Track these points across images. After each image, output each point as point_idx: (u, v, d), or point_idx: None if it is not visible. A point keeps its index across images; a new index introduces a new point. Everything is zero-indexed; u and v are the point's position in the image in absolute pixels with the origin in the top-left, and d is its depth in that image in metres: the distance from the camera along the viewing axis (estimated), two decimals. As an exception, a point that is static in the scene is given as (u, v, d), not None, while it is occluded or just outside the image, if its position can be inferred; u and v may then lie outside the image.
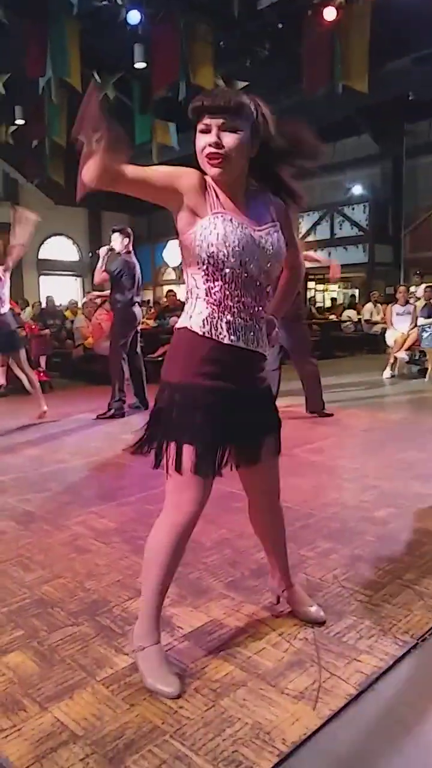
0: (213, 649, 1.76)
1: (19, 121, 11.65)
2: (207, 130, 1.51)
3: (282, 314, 1.83)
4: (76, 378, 8.64)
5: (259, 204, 1.62)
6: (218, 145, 1.49)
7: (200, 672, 1.65)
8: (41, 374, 6.27)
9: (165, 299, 11.16)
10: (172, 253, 17.20)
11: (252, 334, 1.60)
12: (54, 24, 8.53)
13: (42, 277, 16.91)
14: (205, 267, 1.54)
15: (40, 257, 16.76)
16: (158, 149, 10.65)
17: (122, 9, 8.40)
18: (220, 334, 1.56)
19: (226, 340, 1.56)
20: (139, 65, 9.07)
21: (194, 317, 1.58)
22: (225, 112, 1.49)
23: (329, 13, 7.84)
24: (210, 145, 1.49)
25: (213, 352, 1.56)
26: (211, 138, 1.49)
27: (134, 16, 8.42)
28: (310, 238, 15.62)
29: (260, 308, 1.62)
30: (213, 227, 1.51)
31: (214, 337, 1.56)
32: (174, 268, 17.59)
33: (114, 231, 5.57)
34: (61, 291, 15.18)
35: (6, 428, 5.07)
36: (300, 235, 16.09)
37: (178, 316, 1.66)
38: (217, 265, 1.52)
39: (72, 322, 10.25)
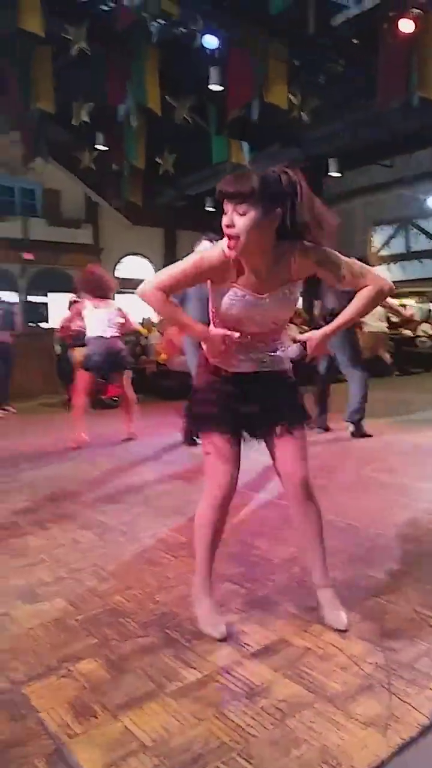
0: (280, 668, 1.75)
1: (101, 147, 12.19)
2: (226, 212, 1.74)
3: (346, 327, 1.98)
4: (150, 394, 8.83)
5: (280, 265, 1.82)
6: (231, 226, 1.72)
7: (267, 691, 1.65)
8: (117, 389, 6.46)
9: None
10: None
11: (255, 362, 1.94)
12: (134, 53, 8.90)
13: (118, 296, 17.44)
14: (215, 315, 1.92)
15: (116, 276, 17.34)
16: (232, 169, 10.82)
17: (198, 34, 8.66)
18: (221, 363, 1.95)
19: (230, 370, 1.95)
20: (215, 87, 9.29)
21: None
22: (238, 197, 1.71)
23: (406, 25, 7.74)
24: (226, 226, 1.73)
25: (220, 373, 1.96)
26: (226, 219, 1.74)
27: (211, 41, 8.66)
28: (384, 253, 15.35)
29: (267, 342, 1.95)
30: (222, 297, 1.85)
31: (214, 364, 1.96)
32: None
33: (206, 238, 5.26)
34: (137, 309, 15.61)
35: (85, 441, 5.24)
36: (375, 250, 15.82)
37: None
38: (222, 319, 1.90)
39: (146, 338, 10.52)
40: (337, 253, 1.85)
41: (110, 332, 5.20)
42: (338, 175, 13.34)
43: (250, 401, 1.94)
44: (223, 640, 1.87)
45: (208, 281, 1.87)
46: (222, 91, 9.23)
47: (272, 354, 1.97)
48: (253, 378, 1.96)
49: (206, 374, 1.99)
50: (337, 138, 11.53)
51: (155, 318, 12.66)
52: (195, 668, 1.76)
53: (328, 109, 10.70)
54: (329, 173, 13.34)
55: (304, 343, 1.99)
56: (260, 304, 1.85)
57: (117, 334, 5.28)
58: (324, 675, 1.70)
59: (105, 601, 2.20)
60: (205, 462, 1.98)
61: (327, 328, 1.94)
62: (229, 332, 1.84)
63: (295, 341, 2.03)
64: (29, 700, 1.63)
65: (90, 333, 5.19)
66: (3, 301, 7.70)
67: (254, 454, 2.15)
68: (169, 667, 1.77)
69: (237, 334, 1.84)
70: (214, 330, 1.87)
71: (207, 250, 1.85)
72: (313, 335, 1.97)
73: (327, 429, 5.40)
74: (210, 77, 9.15)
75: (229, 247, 1.75)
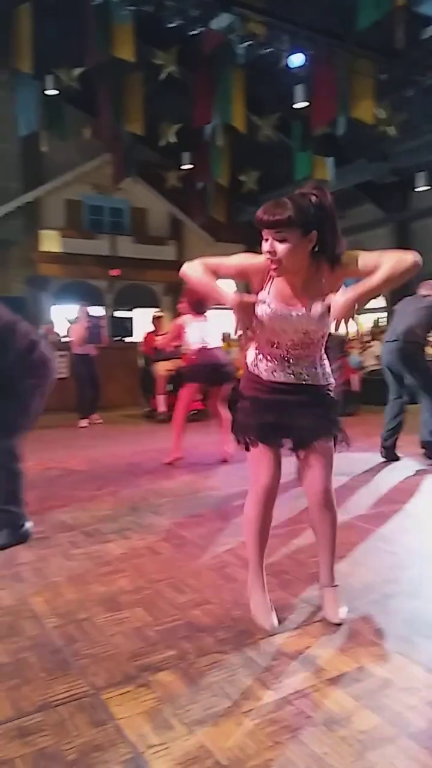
0: (360, 698, 1.69)
1: (187, 166, 12.53)
2: (266, 239, 1.89)
3: (371, 294, 1.92)
4: (230, 408, 8.88)
5: (313, 281, 1.97)
6: (272, 253, 1.87)
7: (346, 720, 1.60)
8: (199, 403, 6.55)
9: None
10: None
11: (294, 375, 2.08)
12: (221, 75, 9.11)
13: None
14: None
15: (199, 291, 17.63)
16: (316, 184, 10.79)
17: (284, 54, 8.75)
18: (261, 373, 2.12)
19: (264, 378, 2.11)
20: (300, 104, 9.34)
21: (249, 355, 2.18)
22: (276, 226, 1.84)
23: None
24: (267, 252, 1.88)
25: (258, 382, 2.12)
26: (267, 246, 1.88)
27: (297, 59, 8.73)
28: None
29: (304, 357, 2.07)
30: (257, 308, 2.01)
31: (255, 373, 2.14)
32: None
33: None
34: (220, 325, 15.80)
35: (162, 452, 5.32)
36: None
37: None
38: (260, 330, 2.04)
39: (228, 353, 10.59)
40: (357, 251, 1.96)
41: (214, 343, 5.17)
42: (426, 188, 12.98)
43: (286, 412, 2.07)
44: (273, 633, 2.03)
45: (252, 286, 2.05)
46: (306, 107, 9.27)
47: (311, 369, 2.10)
48: (291, 389, 2.08)
49: (248, 383, 2.17)
50: (426, 151, 11.25)
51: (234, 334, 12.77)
52: (272, 689, 1.74)
53: (416, 123, 10.49)
54: (415, 188, 13.02)
55: (329, 308, 2.01)
56: (291, 316, 1.98)
57: (220, 346, 5.26)
58: (407, 709, 1.64)
59: (183, 613, 2.22)
60: (249, 464, 2.19)
61: (351, 293, 1.92)
62: (247, 296, 1.99)
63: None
64: (108, 707, 1.67)
65: (194, 344, 5.12)
66: (92, 316, 8.01)
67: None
68: (246, 685, 1.76)
69: (254, 298, 2.01)
70: (235, 295, 1.99)
71: (252, 255, 2.04)
72: (338, 300, 1.94)
73: (396, 458, 5.00)
74: (295, 95, 9.22)
75: (272, 270, 1.92)
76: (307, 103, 9.27)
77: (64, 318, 10.13)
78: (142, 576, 2.58)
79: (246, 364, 2.21)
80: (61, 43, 9.50)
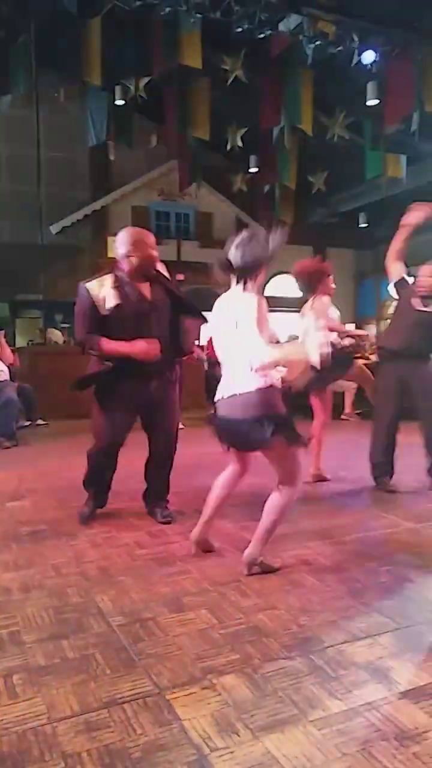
0: (435, 714, 1.60)
1: (253, 169, 12.52)
2: None
3: None
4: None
5: None
6: None
7: (420, 736, 1.52)
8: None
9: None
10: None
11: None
12: (289, 77, 9.04)
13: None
14: None
15: (266, 294, 17.55)
16: (388, 183, 10.56)
17: (356, 51, 8.59)
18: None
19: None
20: (372, 102, 9.14)
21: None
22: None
23: None
24: None
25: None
26: None
27: (368, 56, 8.55)
28: None
29: None
30: None
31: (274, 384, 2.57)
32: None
33: None
34: (284, 327, 15.67)
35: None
36: None
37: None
38: None
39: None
40: None
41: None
42: None
43: None
44: (343, 641, 2.00)
45: None
46: (378, 104, 9.05)
47: None
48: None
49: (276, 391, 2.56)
50: None
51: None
52: (340, 699, 1.68)
53: None
54: None
55: None
56: None
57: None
58: None
59: (248, 617, 2.19)
60: (295, 460, 2.59)
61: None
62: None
63: None
64: (173, 707, 1.66)
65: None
66: None
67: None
68: (313, 694, 1.71)
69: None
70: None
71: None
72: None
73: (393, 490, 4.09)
74: (367, 92, 9.03)
75: None
76: (378, 101, 9.05)
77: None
78: (207, 578, 2.57)
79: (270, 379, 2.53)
80: (129, 54, 9.71)
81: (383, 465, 4.07)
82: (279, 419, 2.46)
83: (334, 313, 4.57)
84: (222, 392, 2.61)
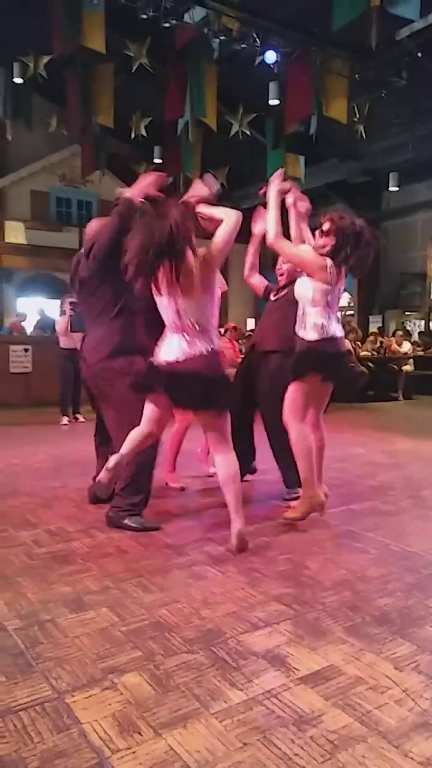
0: (330, 697, 1.67)
1: (157, 160, 12.44)
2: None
3: None
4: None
5: None
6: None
7: (316, 719, 1.57)
8: None
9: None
10: (297, 283, 17.24)
11: None
12: (194, 69, 9.03)
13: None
14: None
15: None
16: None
17: (258, 50, 8.73)
18: None
19: None
20: (273, 102, 9.33)
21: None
22: None
23: (471, 39, 7.60)
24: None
25: None
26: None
27: (271, 56, 8.72)
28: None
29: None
30: None
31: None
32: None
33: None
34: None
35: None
36: None
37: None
38: None
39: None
40: None
41: None
42: (398, 189, 13.14)
43: None
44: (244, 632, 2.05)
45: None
46: (280, 105, 9.27)
47: None
48: None
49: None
50: (398, 152, 11.38)
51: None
52: (241, 689, 1.71)
53: (389, 123, 10.60)
54: (389, 188, 13.17)
55: None
56: None
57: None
58: (377, 708, 1.62)
59: (150, 613, 2.17)
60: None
61: None
62: None
63: None
64: (73, 711, 1.61)
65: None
66: (74, 302, 6.58)
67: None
68: (215, 686, 1.72)
69: None
70: None
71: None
72: None
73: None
74: (269, 92, 9.21)
75: None
76: (279, 101, 9.26)
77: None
78: (108, 575, 2.52)
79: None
80: (29, 30, 9.29)
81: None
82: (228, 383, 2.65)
83: None
84: (177, 353, 2.63)
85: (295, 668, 1.82)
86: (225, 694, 1.69)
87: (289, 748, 1.47)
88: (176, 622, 2.10)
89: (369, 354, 10.62)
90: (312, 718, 1.58)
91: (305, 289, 3.10)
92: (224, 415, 2.74)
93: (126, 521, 3.08)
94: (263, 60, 8.79)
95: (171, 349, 2.64)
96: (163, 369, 2.65)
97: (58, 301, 7.69)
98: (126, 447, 2.79)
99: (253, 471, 4.11)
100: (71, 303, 6.94)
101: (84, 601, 2.27)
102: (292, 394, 3.09)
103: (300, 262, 3.15)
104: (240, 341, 9.56)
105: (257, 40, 8.69)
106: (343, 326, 4.06)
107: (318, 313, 3.06)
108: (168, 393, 2.68)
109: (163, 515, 3.39)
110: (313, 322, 3.06)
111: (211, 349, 2.64)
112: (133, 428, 2.81)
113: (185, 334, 2.62)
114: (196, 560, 2.70)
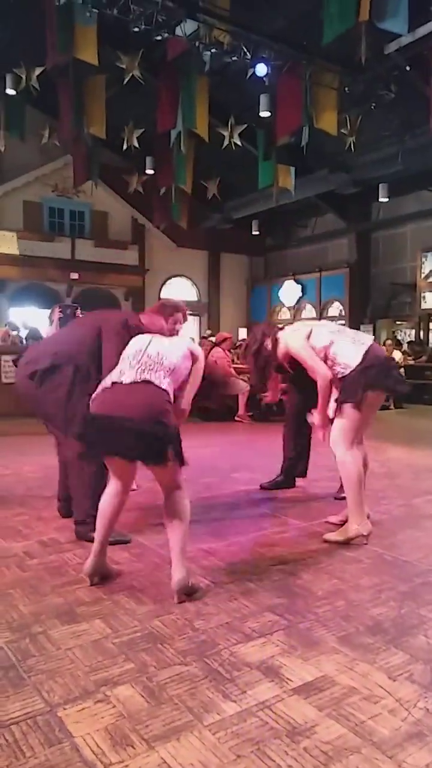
0: (324, 708, 1.67)
1: (149, 171, 12.49)
2: None
3: None
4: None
5: None
6: None
7: (310, 730, 1.57)
8: None
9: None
10: (287, 293, 17.36)
11: None
12: (186, 80, 9.11)
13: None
14: None
15: (161, 297, 17.57)
16: (278, 193, 10.93)
17: (249, 62, 8.82)
18: None
19: None
20: (264, 114, 9.41)
21: None
22: None
23: (459, 53, 7.71)
24: None
25: None
26: None
27: (262, 69, 8.80)
28: (432, 279, 15.07)
29: None
30: None
31: None
32: (289, 308, 17.69)
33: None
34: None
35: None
36: (424, 276, 15.60)
37: None
38: None
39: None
40: None
41: None
42: (387, 200, 13.26)
43: None
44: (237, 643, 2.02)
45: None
46: (271, 117, 9.35)
47: None
48: None
49: None
50: (387, 164, 11.50)
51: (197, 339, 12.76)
52: (234, 701, 1.70)
53: (379, 136, 10.72)
54: (379, 199, 13.28)
55: None
56: None
57: None
58: (371, 718, 1.62)
59: (143, 624, 2.16)
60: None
61: None
62: None
63: None
64: (65, 724, 1.60)
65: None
66: (64, 306, 6.90)
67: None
68: (208, 698, 1.72)
69: None
70: None
71: None
72: None
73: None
74: (260, 104, 9.29)
75: None
76: (270, 113, 9.35)
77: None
78: (101, 587, 2.51)
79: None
80: (22, 42, 9.33)
81: None
82: (176, 430, 2.36)
83: None
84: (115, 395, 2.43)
85: (288, 679, 1.81)
86: (218, 706, 1.68)
87: (283, 759, 1.46)
88: (169, 634, 2.09)
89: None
90: (305, 729, 1.58)
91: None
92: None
93: (92, 534, 3.00)
94: (254, 73, 8.88)
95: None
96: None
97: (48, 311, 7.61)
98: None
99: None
100: (60, 307, 6.97)
101: (76, 613, 2.26)
102: (346, 418, 3.02)
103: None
104: (232, 351, 9.63)
105: (248, 53, 8.78)
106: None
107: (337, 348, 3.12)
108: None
109: (155, 527, 3.38)
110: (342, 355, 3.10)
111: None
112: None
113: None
114: (188, 570, 2.68)
